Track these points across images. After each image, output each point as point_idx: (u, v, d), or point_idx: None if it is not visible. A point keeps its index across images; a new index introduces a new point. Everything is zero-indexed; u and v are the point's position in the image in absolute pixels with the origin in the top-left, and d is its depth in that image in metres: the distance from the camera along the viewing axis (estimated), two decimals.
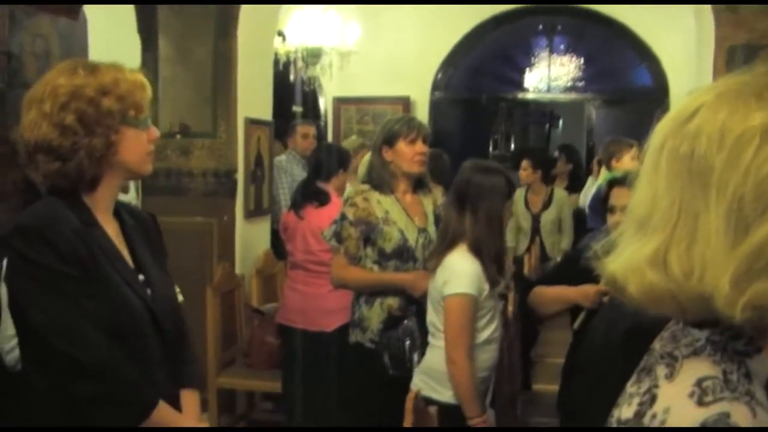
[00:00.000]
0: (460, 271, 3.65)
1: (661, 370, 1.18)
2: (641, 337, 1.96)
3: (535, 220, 7.71)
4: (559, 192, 7.74)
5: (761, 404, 1.11)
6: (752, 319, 1.08)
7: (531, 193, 7.86)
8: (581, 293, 3.82)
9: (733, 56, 5.43)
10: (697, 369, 1.14)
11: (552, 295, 4.08)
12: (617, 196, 3.85)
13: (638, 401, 1.19)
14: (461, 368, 3.62)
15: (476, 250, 3.66)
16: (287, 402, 5.40)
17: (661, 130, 1.20)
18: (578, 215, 7.89)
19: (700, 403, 1.10)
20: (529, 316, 5.52)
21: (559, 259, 7.14)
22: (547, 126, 15.36)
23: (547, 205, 7.61)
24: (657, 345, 1.24)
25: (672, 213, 1.14)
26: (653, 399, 1.17)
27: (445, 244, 3.76)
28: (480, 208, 3.67)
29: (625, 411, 1.21)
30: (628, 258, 1.18)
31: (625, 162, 6.27)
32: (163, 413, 2.43)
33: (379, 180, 4.31)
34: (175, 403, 2.55)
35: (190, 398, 2.65)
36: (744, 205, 1.08)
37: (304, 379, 5.17)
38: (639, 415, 1.17)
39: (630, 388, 1.23)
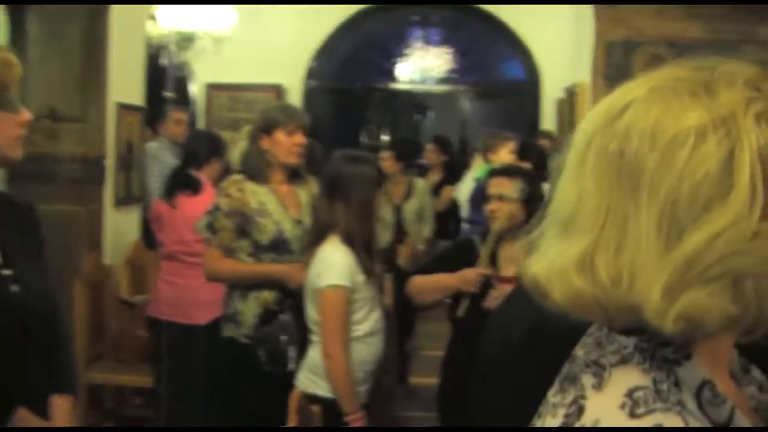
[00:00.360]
0: (332, 263, 3.60)
1: (587, 380, 1.11)
2: (545, 338, 1.90)
3: (397, 210, 7.68)
4: (420, 182, 7.70)
5: (692, 414, 1.06)
6: (684, 331, 1.03)
7: (392, 183, 7.80)
8: (460, 278, 3.86)
9: (611, 52, 5.52)
10: (627, 378, 1.08)
11: (431, 283, 4.08)
12: (495, 185, 3.91)
13: (564, 413, 1.12)
14: (338, 363, 3.56)
15: (348, 240, 3.62)
16: (158, 398, 5.27)
17: (588, 125, 1.14)
18: (453, 206, 7.93)
19: (632, 415, 1.04)
20: (405, 308, 5.50)
21: (420, 247, 7.12)
22: (418, 117, 15.44)
23: (408, 195, 7.58)
24: (580, 352, 1.16)
25: (599, 214, 1.07)
26: (581, 410, 1.09)
27: (317, 235, 3.72)
28: (351, 198, 3.64)
29: (549, 422, 1.14)
30: (552, 260, 1.12)
31: (502, 155, 6.31)
32: (24, 421, 2.25)
33: (255, 169, 4.19)
34: (46, 408, 2.38)
35: (60, 405, 2.47)
36: (677, 209, 1.02)
37: (175, 374, 5.04)
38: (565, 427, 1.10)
39: (552, 397, 1.16)
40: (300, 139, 4.19)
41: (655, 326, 1.03)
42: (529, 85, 10.47)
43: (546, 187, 4.16)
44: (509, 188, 3.85)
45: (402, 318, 6.08)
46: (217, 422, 4.35)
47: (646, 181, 1.04)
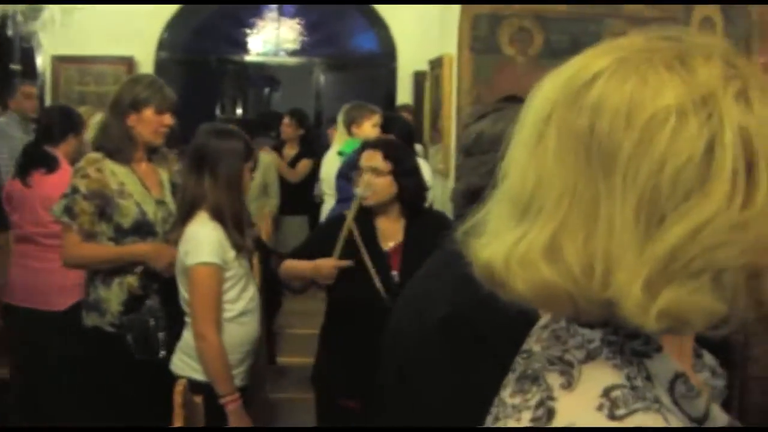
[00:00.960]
0: (201, 239, 3.49)
1: (554, 379, 1.02)
2: (461, 326, 1.82)
3: None
4: (265, 156, 7.53)
5: (669, 410, 1.00)
6: (667, 328, 0.96)
7: None
8: (315, 269, 3.78)
9: (477, 24, 5.51)
10: (600, 376, 1.00)
11: (294, 271, 4.00)
12: (366, 158, 3.85)
13: (530, 416, 1.02)
14: (211, 344, 3.45)
15: (217, 216, 3.52)
16: (14, 390, 5.01)
17: (547, 96, 1.05)
18: (308, 180, 7.94)
19: (612, 416, 0.96)
20: (271, 286, 5.39)
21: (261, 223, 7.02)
22: (268, 90, 15.32)
23: (251, 169, 7.43)
24: (536, 347, 1.08)
25: (564, 196, 0.99)
26: (551, 413, 1.00)
27: (185, 212, 3.60)
28: (218, 172, 3.56)
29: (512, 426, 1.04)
30: (511, 246, 1.02)
31: (366, 129, 6.21)
32: None
33: (116, 147, 3.97)
34: None
35: None
36: (658, 196, 0.95)
37: (33, 365, 4.80)
38: None
39: (511, 399, 1.07)
40: (169, 119, 4.03)
41: (634, 323, 0.95)
42: (385, 58, 10.46)
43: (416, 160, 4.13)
44: (382, 161, 3.77)
45: (269, 296, 5.97)
46: (89, 418, 4.13)
47: (621, 164, 0.96)
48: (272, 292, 6.02)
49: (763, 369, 2.61)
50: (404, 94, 10.06)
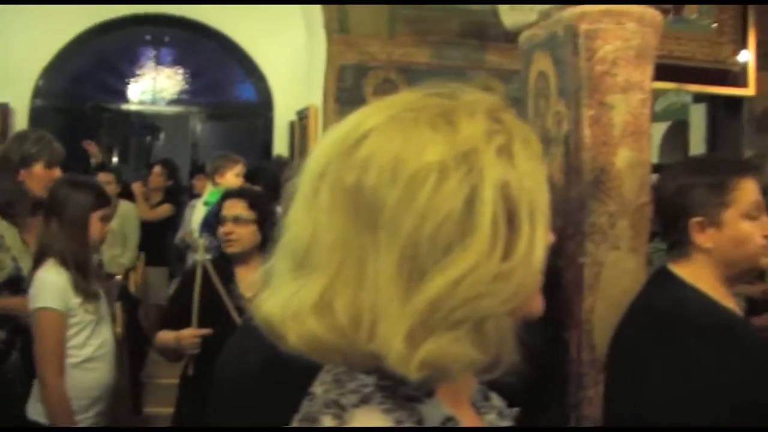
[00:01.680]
0: (43, 284, 3.49)
1: (327, 421, 1.03)
2: (280, 368, 1.86)
3: None
4: (125, 205, 7.43)
5: None
6: (429, 377, 1.00)
7: None
8: (178, 341, 3.72)
9: (343, 75, 5.60)
10: (369, 421, 1.02)
11: (161, 344, 3.89)
12: (228, 207, 3.85)
13: None
14: (51, 389, 3.42)
15: (63, 262, 3.52)
16: None
17: (321, 153, 1.07)
18: (168, 223, 7.92)
19: None
20: (136, 335, 5.30)
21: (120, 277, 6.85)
22: (149, 138, 15.10)
23: (107, 218, 7.27)
24: (319, 389, 1.09)
25: (335, 252, 1.02)
26: None
27: (37, 259, 3.62)
28: (65, 220, 3.58)
29: None
30: (286, 301, 1.05)
31: (229, 178, 6.23)
32: None
33: (8, 203, 3.98)
34: None
35: None
36: (418, 251, 0.98)
37: None
38: None
39: None
40: (58, 173, 4.04)
41: (398, 373, 0.99)
42: (262, 108, 10.48)
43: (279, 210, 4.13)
44: (246, 210, 3.79)
45: (134, 346, 5.87)
46: None
47: (385, 219, 0.99)
48: (137, 342, 5.94)
49: (596, 409, 2.70)
50: (281, 144, 10.09)
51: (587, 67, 2.81)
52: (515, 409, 1.33)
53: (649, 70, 2.89)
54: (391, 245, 0.98)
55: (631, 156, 2.78)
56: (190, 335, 3.65)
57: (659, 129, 9.15)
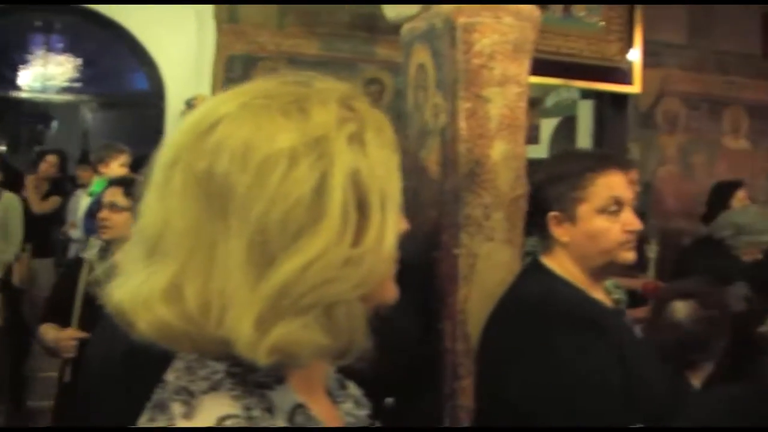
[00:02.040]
0: None
1: (177, 408, 1.03)
2: (139, 361, 1.82)
3: None
4: (9, 196, 7.17)
5: None
6: (278, 363, 1.00)
7: None
8: (56, 343, 3.64)
9: (232, 65, 5.54)
10: (217, 406, 1.02)
11: (42, 341, 3.81)
12: (108, 195, 3.80)
13: None
14: None
15: None
16: None
17: (174, 141, 1.07)
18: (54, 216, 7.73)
19: None
20: (18, 328, 5.18)
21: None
22: (41, 127, 14.76)
23: None
24: (171, 377, 1.08)
25: (187, 239, 1.01)
26: None
27: None
28: None
29: None
30: (137, 288, 1.04)
31: (113, 168, 6.11)
32: None
33: None
34: None
35: None
36: (268, 236, 0.98)
37: None
38: None
39: (144, 426, 1.08)
40: None
41: (248, 360, 0.99)
42: (154, 97, 10.31)
43: None
44: (122, 197, 3.73)
45: (16, 338, 5.73)
46: None
47: (236, 205, 0.99)
48: (20, 335, 5.79)
49: (471, 399, 2.72)
50: None
51: (464, 60, 2.83)
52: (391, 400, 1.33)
53: (526, 64, 2.93)
54: (241, 231, 0.98)
55: (506, 149, 2.81)
56: (68, 337, 3.58)
57: (550, 124, 9.31)
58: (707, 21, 7.49)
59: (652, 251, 5.98)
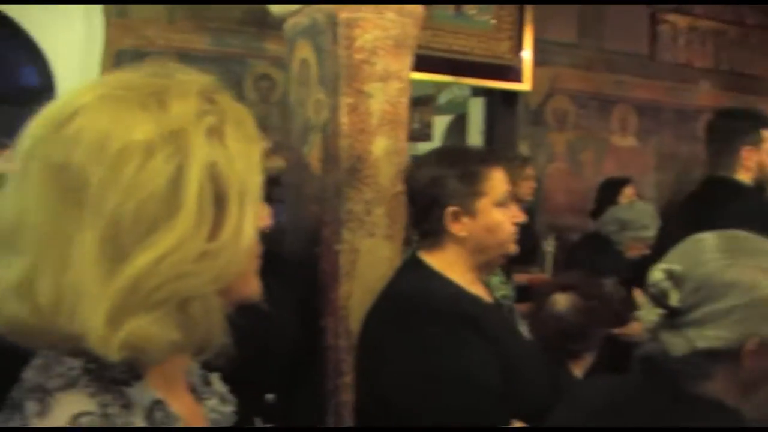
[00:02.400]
0: None
1: (32, 407, 1.00)
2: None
3: None
4: None
5: None
6: (130, 359, 0.99)
7: None
8: None
9: (120, 60, 5.44)
10: (72, 403, 0.99)
11: None
12: None
13: None
14: None
15: None
16: None
17: (32, 132, 1.04)
18: None
19: None
20: None
21: None
22: None
23: None
24: (28, 374, 1.05)
25: (41, 232, 0.98)
26: None
27: None
28: None
29: None
30: None
31: None
32: None
33: None
34: None
35: None
36: (121, 229, 0.96)
37: None
38: None
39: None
40: None
41: (101, 354, 0.97)
42: (45, 93, 10.09)
43: None
44: None
45: None
46: None
47: (90, 197, 0.96)
48: None
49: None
50: None
51: (346, 55, 2.82)
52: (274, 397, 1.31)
53: (408, 60, 2.93)
54: (95, 224, 0.96)
55: (387, 144, 2.81)
56: None
57: (443, 122, 9.37)
58: (597, 21, 7.63)
59: (550, 246, 6.07)
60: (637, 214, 4.84)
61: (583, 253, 5.01)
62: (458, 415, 2.12)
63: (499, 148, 6.78)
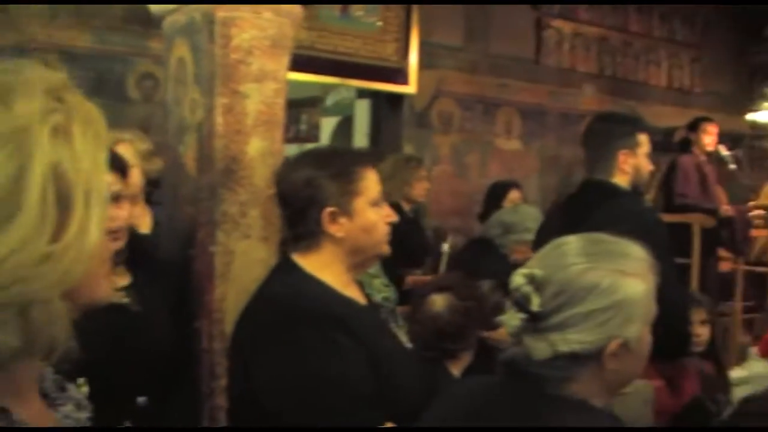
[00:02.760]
0: None
1: None
2: None
3: None
4: None
5: None
6: None
7: None
8: None
9: (1, 56, 5.28)
10: None
11: None
12: None
13: None
14: None
15: None
16: None
17: None
18: None
19: None
20: None
21: None
22: None
23: None
24: None
25: None
26: None
27: None
28: None
29: None
30: None
31: None
32: None
33: None
34: None
35: None
36: None
37: None
38: None
39: None
40: None
41: None
42: None
43: None
44: None
45: None
46: None
47: None
48: None
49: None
50: None
51: (222, 54, 2.79)
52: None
53: (285, 60, 2.92)
54: None
55: (263, 145, 2.79)
56: None
57: (330, 124, 9.38)
58: (483, 25, 7.74)
59: (446, 247, 6.12)
60: (521, 217, 4.90)
61: (468, 255, 5.07)
62: (329, 417, 2.12)
63: (383, 150, 6.82)
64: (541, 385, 1.63)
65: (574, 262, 1.64)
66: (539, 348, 1.62)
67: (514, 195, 5.97)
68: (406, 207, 5.62)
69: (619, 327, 1.60)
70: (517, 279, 1.64)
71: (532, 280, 1.63)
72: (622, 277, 1.62)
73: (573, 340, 1.59)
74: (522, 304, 1.62)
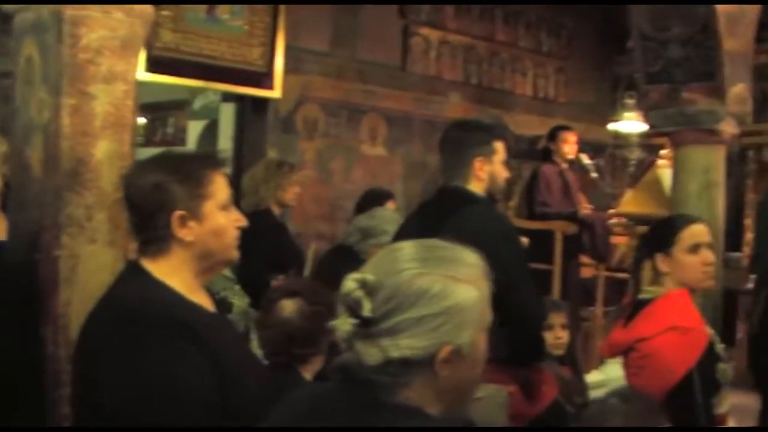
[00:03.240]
0: None
1: None
2: None
3: None
4: None
5: None
6: None
7: None
8: None
9: None
10: None
11: None
12: None
13: None
14: None
15: None
16: None
17: None
18: None
19: None
20: None
21: None
22: None
23: None
24: None
25: None
26: None
27: None
28: None
29: None
30: None
31: None
32: None
33: None
34: None
35: None
36: None
37: None
38: None
39: None
40: None
41: None
42: None
43: None
44: None
45: None
46: None
47: None
48: None
49: None
50: None
51: (70, 54, 2.74)
52: None
53: (135, 61, 2.88)
54: None
55: (110, 148, 2.75)
56: None
57: (197, 127, 9.27)
58: (350, 31, 7.77)
59: (310, 254, 6.10)
60: (378, 221, 4.94)
61: (329, 262, 5.09)
62: (172, 423, 2.10)
63: (248, 155, 6.79)
64: (373, 392, 1.63)
65: (406, 267, 1.64)
66: (370, 353, 1.62)
67: (390, 206, 5.97)
68: (277, 211, 5.59)
69: (450, 333, 1.61)
70: (349, 284, 1.64)
71: (363, 284, 1.63)
72: (454, 282, 1.63)
73: (404, 346, 1.60)
74: (353, 309, 1.62)
